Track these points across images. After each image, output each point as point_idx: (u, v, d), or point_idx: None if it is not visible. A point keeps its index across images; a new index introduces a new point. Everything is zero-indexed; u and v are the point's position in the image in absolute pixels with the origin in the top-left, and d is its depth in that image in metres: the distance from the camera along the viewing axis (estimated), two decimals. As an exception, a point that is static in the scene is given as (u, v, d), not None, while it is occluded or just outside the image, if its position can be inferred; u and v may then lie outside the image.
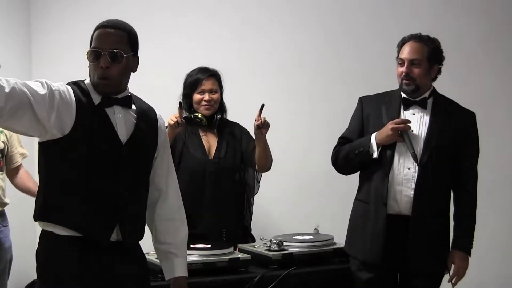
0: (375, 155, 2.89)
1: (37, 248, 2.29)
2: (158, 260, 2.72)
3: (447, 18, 4.09)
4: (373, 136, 2.91)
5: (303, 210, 4.16)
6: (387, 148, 2.89)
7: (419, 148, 2.87)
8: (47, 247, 2.24)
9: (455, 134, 2.91)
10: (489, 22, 4.06)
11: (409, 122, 2.87)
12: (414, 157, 2.81)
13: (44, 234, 2.26)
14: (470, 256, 2.93)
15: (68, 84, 2.27)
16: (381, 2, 4.21)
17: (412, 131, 2.87)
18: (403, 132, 2.84)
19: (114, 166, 2.27)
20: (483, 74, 4.06)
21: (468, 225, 2.93)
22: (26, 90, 2.08)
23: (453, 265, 2.91)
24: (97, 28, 2.29)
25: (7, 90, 2.02)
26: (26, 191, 3.62)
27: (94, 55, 2.24)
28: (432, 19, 4.03)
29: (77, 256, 2.20)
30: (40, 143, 2.25)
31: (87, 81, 2.31)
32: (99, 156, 2.23)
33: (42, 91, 2.13)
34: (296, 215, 4.13)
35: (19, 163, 3.64)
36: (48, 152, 2.23)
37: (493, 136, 3.92)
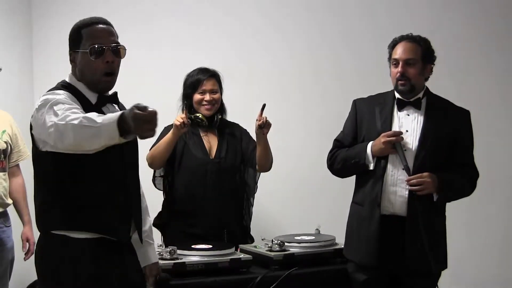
0: (371, 167, 2.89)
1: (43, 251, 2.27)
2: (159, 260, 2.74)
3: (446, 19, 4.09)
4: (369, 147, 2.90)
5: (304, 210, 4.15)
6: (381, 158, 2.88)
7: (414, 147, 2.86)
8: (60, 250, 2.22)
9: (450, 133, 2.90)
10: (488, 23, 4.05)
11: (401, 134, 2.86)
12: (407, 170, 2.81)
13: (53, 237, 2.24)
14: (436, 198, 2.84)
15: (60, 89, 2.25)
16: (379, 4, 4.21)
17: (406, 144, 2.86)
18: (396, 144, 2.83)
19: (121, 166, 2.31)
20: (482, 75, 4.05)
21: (455, 182, 2.87)
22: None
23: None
24: (88, 25, 2.29)
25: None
26: (12, 199, 3.61)
27: (98, 51, 2.24)
28: (432, 20, 4.03)
29: (92, 257, 2.22)
30: (45, 155, 2.21)
31: (73, 81, 2.30)
32: (108, 158, 2.24)
33: (72, 103, 2.15)
34: (297, 216, 4.13)
35: (17, 163, 3.64)
36: (59, 161, 2.20)
37: (491, 136, 3.92)
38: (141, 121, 1.93)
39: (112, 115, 1.99)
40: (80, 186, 2.22)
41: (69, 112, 2.06)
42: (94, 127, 1.98)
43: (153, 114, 1.95)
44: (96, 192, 2.24)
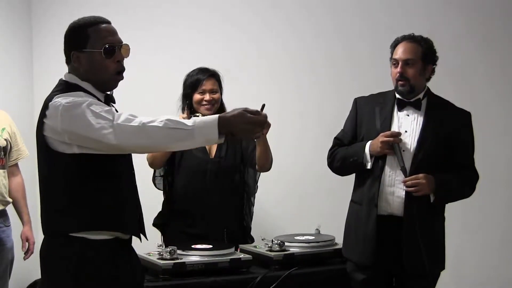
0: (368, 166, 2.90)
1: (55, 254, 2.22)
2: (159, 260, 2.75)
3: (445, 19, 4.09)
4: (367, 146, 2.90)
5: (304, 210, 4.16)
6: (379, 158, 2.89)
7: (412, 148, 2.86)
8: (78, 252, 2.19)
9: (449, 135, 2.89)
10: (487, 22, 4.05)
11: (400, 135, 2.86)
12: (404, 171, 2.81)
13: (71, 240, 2.19)
14: (432, 200, 2.85)
15: (70, 90, 2.22)
16: (378, 4, 4.21)
17: (404, 144, 2.87)
18: (394, 145, 2.83)
19: (128, 165, 2.34)
20: (481, 75, 4.05)
21: (452, 183, 2.87)
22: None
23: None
24: (93, 24, 2.27)
25: None
26: (12, 198, 3.60)
27: (111, 50, 2.24)
28: (431, 20, 4.03)
29: (109, 257, 2.22)
30: (63, 157, 2.16)
31: (77, 81, 2.27)
32: (121, 157, 2.25)
33: (103, 104, 2.19)
34: (297, 215, 4.13)
35: (16, 162, 3.64)
36: (79, 163, 2.17)
37: (491, 136, 3.92)
38: (255, 124, 2.07)
39: (204, 118, 2.09)
40: (99, 187, 2.21)
41: (127, 114, 2.08)
42: (185, 130, 2.06)
43: (266, 118, 2.11)
44: (113, 192, 2.24)
